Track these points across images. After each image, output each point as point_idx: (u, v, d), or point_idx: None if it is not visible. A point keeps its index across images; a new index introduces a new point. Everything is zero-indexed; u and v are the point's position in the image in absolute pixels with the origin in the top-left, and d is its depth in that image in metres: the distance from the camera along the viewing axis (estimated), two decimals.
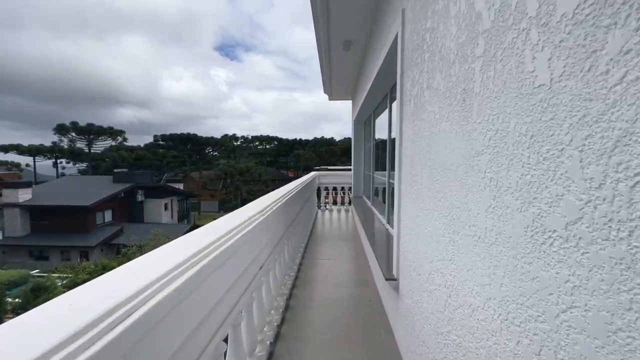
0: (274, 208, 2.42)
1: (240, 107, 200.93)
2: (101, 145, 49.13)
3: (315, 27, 4.46)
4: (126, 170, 34.38)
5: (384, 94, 4.60)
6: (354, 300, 3.14)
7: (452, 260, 1.35)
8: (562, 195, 0.70)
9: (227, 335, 1.48)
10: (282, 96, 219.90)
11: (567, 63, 0.68)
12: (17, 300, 11.42)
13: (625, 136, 0.55)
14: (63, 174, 46.95)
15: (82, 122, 45.93)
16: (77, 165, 49.20)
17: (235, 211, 2.00)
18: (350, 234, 5.94)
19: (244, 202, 44.08)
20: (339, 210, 8.67)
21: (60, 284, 12.67)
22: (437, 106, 1.52)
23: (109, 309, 0.68)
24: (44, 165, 50.30)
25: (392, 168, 4.41)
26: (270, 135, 68.42)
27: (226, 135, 60.29)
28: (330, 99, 9.11)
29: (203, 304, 1.09)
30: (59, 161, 47.04)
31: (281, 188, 3.89)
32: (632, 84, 0.54)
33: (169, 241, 1.25)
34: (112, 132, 48.55)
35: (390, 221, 4.34)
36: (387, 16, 2.96)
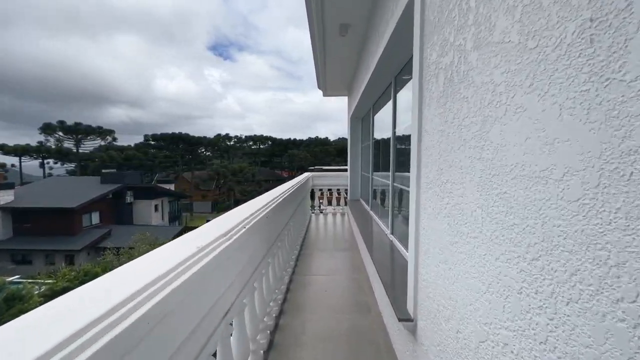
0: (250, 224, 1.81)
1: (234, 107, 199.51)
2: (90, 145, 47.74)
3: (307, 10, 3.85)
4: (115, 170, 33.28)
5: (387, 83, 4.00)
6: (355, 335, 2.53)
7: (535, 338, 0.75)
8: None
9: None
10: (276, 96, 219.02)
11: None
12: None
13: None
14: (50, 175, 45.60)
15: (72, 122, 44.53)
16: (65, 165, 47.77)
17: (188, 234, 1.39)
18: (347, 241, 5.34)
19: (237, 202, 43.27)
20: (334, 214, 8.06)
21: (37, 292, 11.85)
22: (502, 70, 0.92)
23: None
24: (31, 165, 48.83)
25: (396, 169, 3.82)
26: (265, 135, 67.54)
27: (219, 135, 59.15)
28: (325, 94, 8.51)
29: None
30: (46, 161, 45.62)
31: (267, 193, 3.27)
32: None
33: (149, 248, 0.66)
34: (101, 132, 47.13)
35: (394, 231, 3.75)
36: None
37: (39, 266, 20.37)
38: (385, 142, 4.38)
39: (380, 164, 4.87)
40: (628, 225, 0.56)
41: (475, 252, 1.09)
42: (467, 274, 1.15)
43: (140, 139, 54.18)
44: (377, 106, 5.16)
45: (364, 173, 6.84)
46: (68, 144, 45.35)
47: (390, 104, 3.91)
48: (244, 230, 1.68)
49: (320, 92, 8.57)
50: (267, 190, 3.54)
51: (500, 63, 0.93)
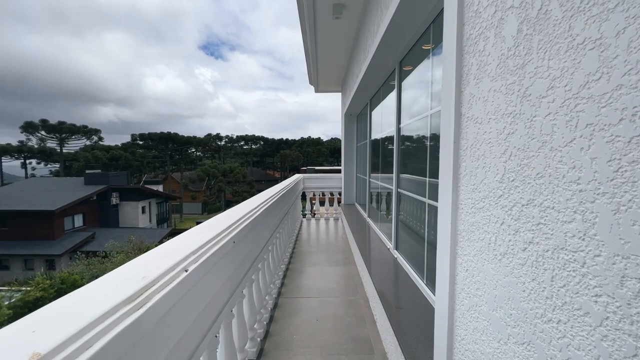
0: (218, 246, 1.22)
1: (225, 106, 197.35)
2: (75, 144, 46.11)
3: None
4: (99, 171, 31.97)
5: (389, 71, 3.44)
6: None
7: None
8: None
9: None
10: (267, 96, 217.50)
11: None
12: None
13: None
14: (33, 175, 43.93)
15: (57, 121, 42.88)
16: (48, 165, 46.02)
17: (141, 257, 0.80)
18: (342, 252, 4.76)
19: (228, 203, 42.33)
20: (327, 219, 7.47)
21: (7, 303, 10.97)
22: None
23: None
24: (13, 165, 47.09)
25: (401, 170, 3.26)
26: (256, 135, 66.51)
27: (209, 134, 57.87)
28: (317, 90, 7.95)
29: None
30: (29, 162, 43.89)
31: (248, 201, 2.66)
32: None
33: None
34: (86, 131, 45.51)
35: (399, 247, 3.19)
36: None
37: (16, 272, 19.35)
38: (386, 140, 3.81)
39: (380, 165, 4.31)
40: None
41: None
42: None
43: (128, 138, 52.61)
44: (375, 100, 4.59)
45: (360, 175, 6.28)
46: (51, 144, 43.74)
47: (392, 96, 3.35)
48: (195, 266, 1.09)
49: (312, 92, 8.07)
50: (259, 191, 2.97)
51: None
